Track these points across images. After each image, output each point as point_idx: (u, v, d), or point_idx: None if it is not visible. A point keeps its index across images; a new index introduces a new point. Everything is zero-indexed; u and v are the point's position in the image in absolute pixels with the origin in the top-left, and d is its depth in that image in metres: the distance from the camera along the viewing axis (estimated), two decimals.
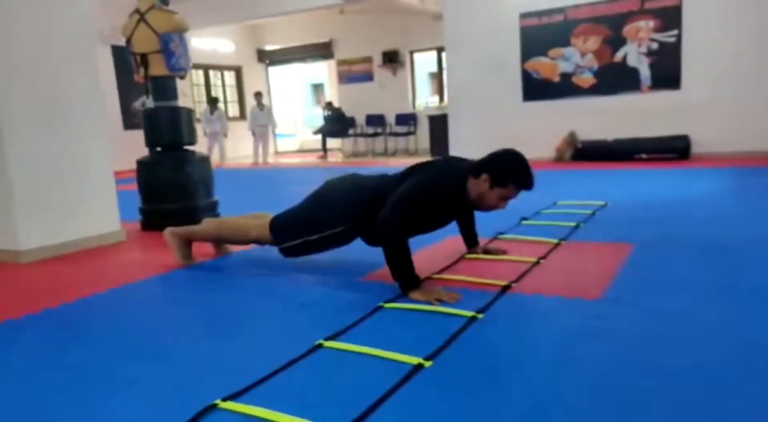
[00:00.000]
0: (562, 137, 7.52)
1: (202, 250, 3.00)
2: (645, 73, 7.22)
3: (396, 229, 2.11)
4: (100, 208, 3.60)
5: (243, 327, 1.97)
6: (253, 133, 11.10)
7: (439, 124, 8.99)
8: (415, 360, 1.53)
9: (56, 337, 1.96)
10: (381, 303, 2.04)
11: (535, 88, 7.80)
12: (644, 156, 6.91)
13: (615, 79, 7.35)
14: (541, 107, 7.77)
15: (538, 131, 7.59)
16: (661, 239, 2.85)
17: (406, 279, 2.10)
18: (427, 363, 1.53)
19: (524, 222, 3.43)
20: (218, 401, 1.36)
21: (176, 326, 2.06)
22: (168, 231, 2.84)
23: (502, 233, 3.13)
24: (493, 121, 7.92)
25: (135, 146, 8.68)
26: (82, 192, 3.49)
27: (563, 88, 7.66)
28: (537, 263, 2.50)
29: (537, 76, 7.77)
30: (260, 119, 11.02)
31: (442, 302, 1.99)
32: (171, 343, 1.82)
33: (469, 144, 8.01)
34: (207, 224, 2.86)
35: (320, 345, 1.68)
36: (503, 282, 2.20)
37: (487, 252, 2.70)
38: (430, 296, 2.02)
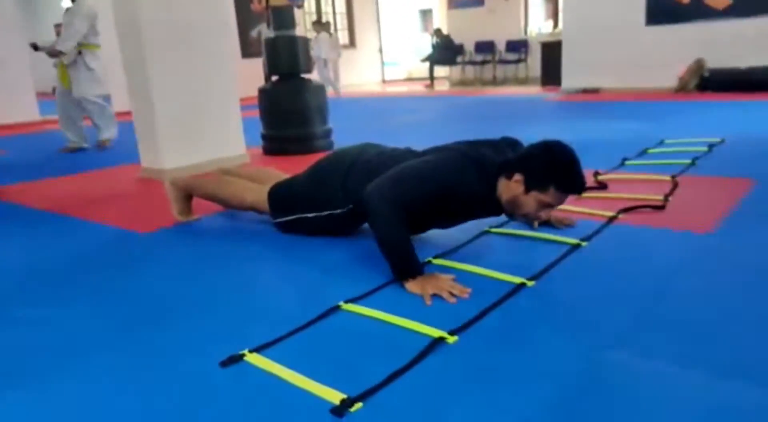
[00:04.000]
0: (687, 65, 6.99)
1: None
2: None
3: (389, 197, 1.71)
4: (228, 132, 3.93)
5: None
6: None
7: (552, 51, 8.61)
8: (518, 279, 1.67)
9: (191, 246, 2.28)
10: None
11: (661, 11, 7.21)
12: None
13: None
14: (666, 31, 7.20)
15: (661, 58, 7.09)
16: None
17: (401, 265, 1.69)
18: (530, 283, 1.65)
19: (627, 162, 3.23)
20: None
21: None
22: (169, 181, 2.58)
23: (598, 173, 2.94)
24: (612, 46, 7.46)
25: (252, 74, 9.14)
26: (212, 116, 3.81)
27: (693, 10, 7.02)
28: (655, 207, 2.35)
29: None
30: (329, 48, 10.83)
31: (438, 297, 1.60)
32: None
33: (583, 72, 7.67)
34: (211, 178, 2.61)
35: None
36: (610, 213, 2.23)
37: (547, 222, 2.13)
38: (427, 288, 1.62)
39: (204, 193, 2.48)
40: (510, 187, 1.77)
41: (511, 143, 2.03)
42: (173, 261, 2.12)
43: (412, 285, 1.65)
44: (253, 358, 1.33)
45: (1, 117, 7.21)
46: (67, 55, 4.85)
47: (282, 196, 2.21)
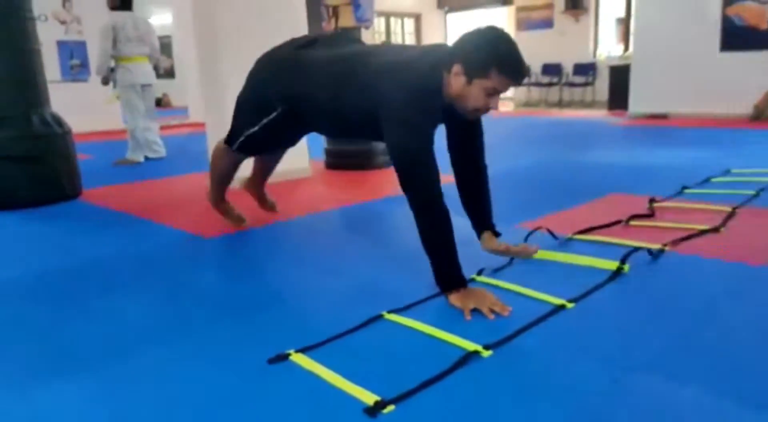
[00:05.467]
0: (765, 92, 6.72)
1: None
2: None
3: (430, 193, 1.68)
4: (293, 146, 4.09)
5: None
6: None
7: (620, 74, 8.46)
8: (558, 301, 1.70)
9: (262, 249, 2.42)
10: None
11: (737, 37, 6.98)
12: None
13: None
14: (742, 58, 6.96)
15: (735, 85, 6.85)
16: None
17: (446, 274, 1.72)
18: (570, 305, 1.69)
19: (687, 190, 3.14)
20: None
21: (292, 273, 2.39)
22: (212, 201, 2.75)
23: (654, 200, 2.84)
24: (683, 72, 7.28)
25: None
26: None
27: None
28: (705, 231, 2.34)
29: (740, 23, 6.94)
30: None
31: (478, 312, 1.62)
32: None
33: (652, 96, 7.50)
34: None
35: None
36: (657, 246, 2.16)
37: (508, 251, 1.96)
38: (468, 303, 1.64)
39: (213, 184, 2.66)
40: (453, 82, 1.67)
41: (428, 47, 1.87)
42: (232, 265, 2.27)
43: (454, 298, 1.68)
44: (298, 358, 1.43)
45: (89, 125, 7.74)
46: (105, 75, 5.07)
47: (232, 123, 2.32)
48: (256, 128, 2.20)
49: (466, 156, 1.96)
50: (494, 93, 1.65)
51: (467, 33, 1.67)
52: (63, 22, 8.19)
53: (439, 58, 1.71)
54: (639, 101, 7.67)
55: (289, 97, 2.06)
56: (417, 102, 1.68)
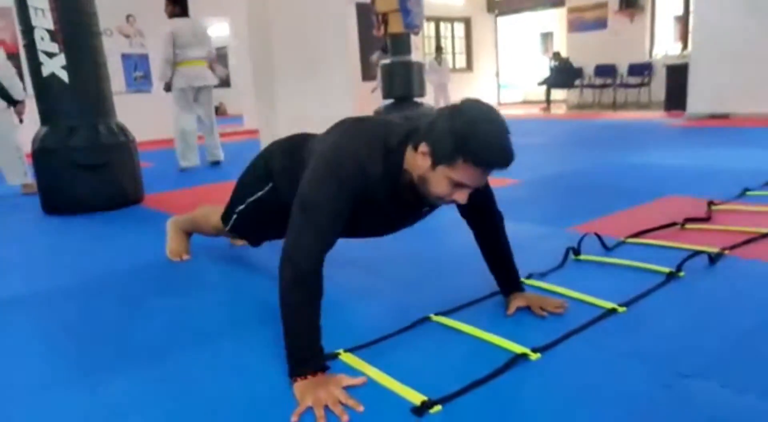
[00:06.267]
0: None
1: None
2: None
3: (295, 261, 1.35)
4: None
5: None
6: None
7: (678, 74, 8.20)
8: (610, 305, 1.68)
9: None
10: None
11: None
12: None
13: None
14: None
15: None
16: None
17: (294, 355, 1.34)
18: (621, 309, 1.66)
19: (749, 193, 3.03)
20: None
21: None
22: (170, 221, 2.54)
23: (712, 203, 2.74)
24: (745, 70, 6.99)
25: (370, 97, 9.54)
26: None
27: None
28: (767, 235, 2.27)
29: None
30: (438, 73, 11.06)
31: (327, 410, 1.22)
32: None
33: (711, 96, 7.23)
34: (191, 212, 2.47)
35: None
36: (715, 249, 2.10)
37: (531, 304, 1.69)
38: (306, 398, 1.25)
39: (189, 228, 2.46)
40: (416, 161, 1.39)
41: (407, 117, 1.76)
42: None
43: (296, 388, 1.29)
44: (347, 357, 1.47)
45: (150, 134, 8.06)
46: (168, 81, 5.24)
47: (224, 211, 2.10)
48: (242, 206, 2.00)
49: (478, 221, 1.71)
50: (461, 185, 1.36)
51: (449, 107, 1.38)
52: (127, 36, 8.59)
53: (412, 130, 1.45)
54: (698, 101, 7.40)
55: (280, 170, 1.84)
56: (356, 150, 1.41)
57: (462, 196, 1.39)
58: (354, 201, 1.40)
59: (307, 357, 1.33)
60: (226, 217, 2.09)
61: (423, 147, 1.36)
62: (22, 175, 4.48)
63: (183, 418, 1.26)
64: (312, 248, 1.36)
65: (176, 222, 2.51)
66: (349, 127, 1.53)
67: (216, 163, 5.54)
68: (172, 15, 5.19)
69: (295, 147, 1.76)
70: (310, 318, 1.36)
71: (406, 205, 1.53)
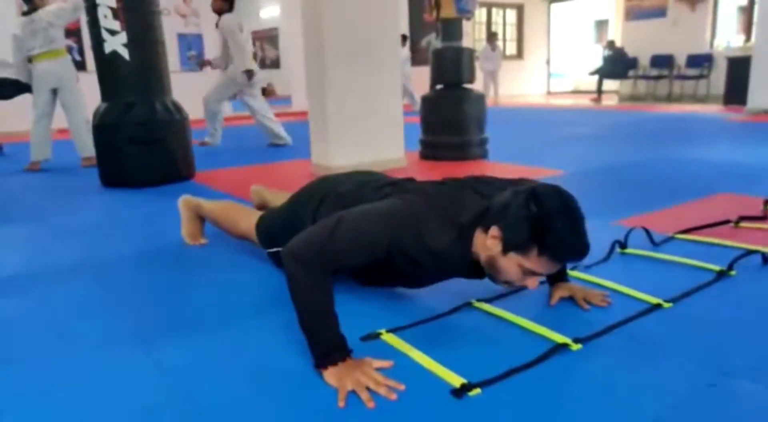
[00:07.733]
0: None
1: None
2: None
3: (305, 257, 1.33)
4: (390, 136, 4.20)
5: None
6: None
7: (740, 66, 7.89)
8: (655, 300, 1.66)
9: None
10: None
11: None
12: None
13: None
14: None
15: None
16: None
17: (319, 345, 1.33)
18: (667, 305, 1.64)
19: None
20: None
21: None
22: (181, 199, 2.45)
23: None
24: None
25: (420, 81, 9.50)
26: (378, 121, 4.10)
27: None
28: None
29: None
30: (492, 60, 10.90)
31: (355, 395, 1.23)
32: None
33: None
34: (217, 203, 2.41)
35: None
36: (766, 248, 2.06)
37: (575, 295, 1.69)
38: (345, 382, 1.25)
39: (208, 215, 2.38)
40: (486, 245, 1.37)
41: (489, 185, 1.54)
42: None
43: (329, 376, 1.29)
44: (388, 337, 1.50)
45: (201, 112, 8.25)
46: (253, 70, 5.50)
47: (264, 227, 1.99)
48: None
49: None
50: (531, 274, 1.35)
51: (519, 191, 1.34)
52: (183, 16, 8.77)
53: (484, 209, 1.41)
54: (760, 95, 7.11)
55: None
56: (424, 219, 1.40)
57: (533, 283, 1.38)
58: (388, 257, 1.40)
59: (335, 344, 1.33)
60: (264, 243, 2.00)
61: (494, 231, 1.34)
62: (91, 148, 4.62)
63: (232, 381, 1.32)
64: (325, 249, 1.34)
65: (190, 205, 2.43)
66: (432, 200, 1.47)
67: (283, 146, 5.60)
68: (225, 10, 5.45)
69: (349, 200, 1.63)
70: (330, 304, 1.35)
71: (463, 275, 1.57)
